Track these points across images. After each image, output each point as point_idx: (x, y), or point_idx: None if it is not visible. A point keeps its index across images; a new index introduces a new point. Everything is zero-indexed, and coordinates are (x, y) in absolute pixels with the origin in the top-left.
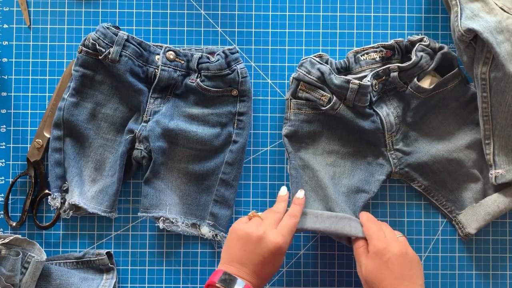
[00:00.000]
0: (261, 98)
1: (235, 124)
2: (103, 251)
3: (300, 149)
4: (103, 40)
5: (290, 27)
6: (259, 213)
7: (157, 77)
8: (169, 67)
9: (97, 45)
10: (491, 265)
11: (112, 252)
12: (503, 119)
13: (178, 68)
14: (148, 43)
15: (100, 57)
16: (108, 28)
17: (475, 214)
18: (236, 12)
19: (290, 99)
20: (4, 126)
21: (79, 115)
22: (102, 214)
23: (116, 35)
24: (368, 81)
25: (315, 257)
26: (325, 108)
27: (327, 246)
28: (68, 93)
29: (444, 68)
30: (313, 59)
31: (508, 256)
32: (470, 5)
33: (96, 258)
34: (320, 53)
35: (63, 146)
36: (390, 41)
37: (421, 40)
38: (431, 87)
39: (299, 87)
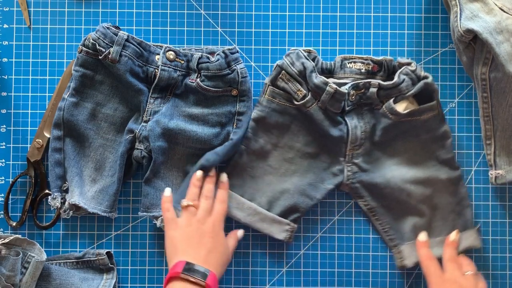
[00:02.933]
0: None
1: (235, 124)
2: (103, 251)
3: (263, 136)
4: (103, 40)
5: (290, 27)
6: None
7: (157, 77)
8: (169, 67)
9: (97, 45)
10: (491, 265)
11: (112, 252)
12: (504, 120)
13: (178, 68)
14: (148, 43)
15: (100, 57)
16: (108, 28)
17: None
18: (236, 12)
19: (268, 85)
20: (4, 126)
21: (79, 115)
22: (102, 214)
23: (116, 35)
24: (346, 89)
25: (315, 257)
26: (298, 103)
27: (327, 246)
28: (68, 93)
29: (423, 97)
30: (301, 52)
31: (508, 256)
32: (470, 5)
33: (96, 258)
34: (310, 48)
35: (63, 146)
36: (380, 57)
37: (409, 64)
38: (405, 112)
39: (280, 75)
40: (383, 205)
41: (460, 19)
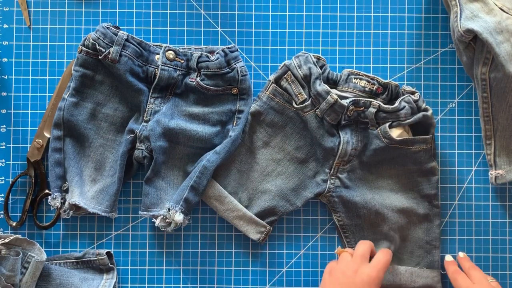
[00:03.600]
0: None
1: (235, 122)
2: (103, 251)
3: (256, 132)
4: (103, 40)
5: (290, 27)
6: (346, 249)
7: (157, 77)
8: (169, 66)
9: (97, 45)
10: (491, 265)
11: (112, 252)
12: (504, 119)
13: (178, 68)
14: (148, 43)
15: (100, 57)
16: (108, 28)
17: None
18: (236, 12)
19: (272, 82)
20: (4, 126)
21: (79, 115)
22: (102, 214)
23: (116, 35)
24: (347, 103)
25: (315, 257)
26: (297, 106)
27: (327, 246)
28: (68, 93)
29: (418, 129)
30: (310, 57)
31: (508, 256)
32: (470, 5)
33: (96, 258)
34: (320, 56)
35: (63, 146)
36: (387, 80)
37: (413, 93)
38: (399, 139)
39: (285, 75)
40: (356, 224)
41: (460, 19)
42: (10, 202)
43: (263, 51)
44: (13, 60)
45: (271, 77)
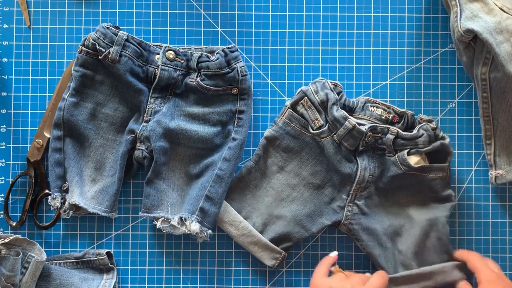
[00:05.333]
0: (261, 98)
1: (235, 122)
2: (103, 251)
3: (271, 156)
4: (103, 40)
5: (290, 27)
6: (345, 271)
7: (157, 77)
8: (169, 66)
9: (97, 45)
10: None
11: (112, 252)
12: (504, 119)
13: (178, 68)
14: (148, 43)
15: (100, 57)
16: (108, 28)
17: None
18: (236, 12)
19: (288, 108)
20: (4, 126)
21: (79, 115)
22: (102, 214)
23: (116, 35)
24: (365, 129)
25: (315, 257)
26: (313, 132)
27: (327, 246)
28: (68, 93)
29: (435, 156)
30: (327, 83)
31: (508, 256)
32: (470, 5)
33: (96, 258)
34: (337, 82)
35: (63, 146)
36: (403, 109)
37: (430, 121)
38: (416, 166)
39: (302, 101)
40: (379, 252)
41: (460, 19)
42: (10, 202)
43: (263, 51)
44: (13, 60)
45: (288, 103)
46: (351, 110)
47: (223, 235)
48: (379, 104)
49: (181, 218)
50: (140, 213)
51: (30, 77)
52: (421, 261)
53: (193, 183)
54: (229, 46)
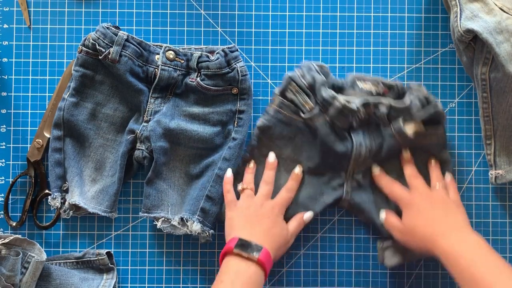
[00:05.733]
0: (261, 98)
1: (236, 122)
2: (103, 251)
3: (266, 146)
4: (103, 40)
5: (290, 27)
6: (245, 186)
7: (157, 77)
8: (169, 66)
9: (97, 45)
10: None
11: (112, 252)
12: (504, 120)
13: (178, 68)
14: (148, 43)
15: (100, 57)
16: (108, 28)
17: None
18: (236, 12)
19: (277, 95)
20: (4, 126)
21: (79, 115)
22: (102, 214)
23: (116, 35)
24: (356, 106)
25: (315, 257)
26: (305, 116)
27: (327, 246)
28: (68, 93)
29: (428, 122)
30: (313, 65)
31: (508, 256)
32: (470, 5)
33: (96, 258)
34: (323, 64)
35: (63, 146)
36: (392, 79)
37: (419, 87)
38: (412, 134)
39: (290, 86)
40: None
41: (460, 19)
42: (10, 202)
43: (263, 51)
44: (13, 60)
45: (276, 90)
46: (340, 89)
47: (223, 235)
48: (367, 79)
49: (182, 219)
50: (140, 213)
51: (30, 77)
52: None
53: (194, 183)
54: (229, 46)
